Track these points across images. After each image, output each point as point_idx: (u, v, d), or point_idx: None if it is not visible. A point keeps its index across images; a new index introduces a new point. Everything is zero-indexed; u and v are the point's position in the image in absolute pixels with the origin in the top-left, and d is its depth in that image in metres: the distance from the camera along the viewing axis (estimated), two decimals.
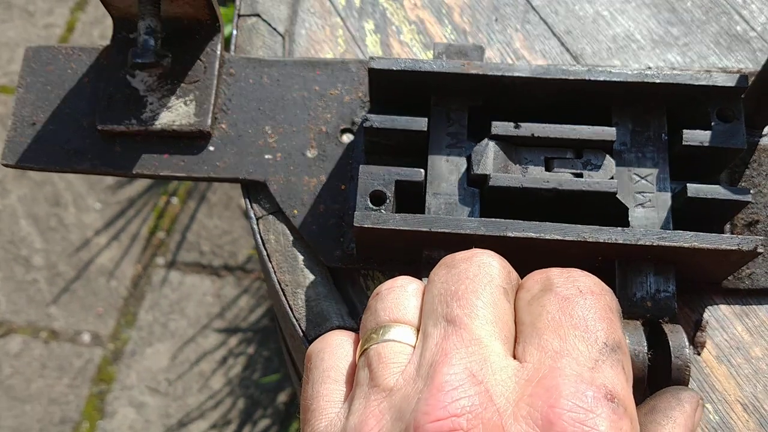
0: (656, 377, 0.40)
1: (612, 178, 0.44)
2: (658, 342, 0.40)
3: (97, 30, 1.71)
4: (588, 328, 0.30)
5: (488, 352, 0.30)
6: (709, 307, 0.46)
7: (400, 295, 0.34)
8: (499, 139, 0.44)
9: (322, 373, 0.34)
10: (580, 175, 0.44)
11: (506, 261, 0.34)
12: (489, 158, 0.44)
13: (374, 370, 0.31)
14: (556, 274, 0.33)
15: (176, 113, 0.49)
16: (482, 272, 0.33)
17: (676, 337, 0.40)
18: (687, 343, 0.39)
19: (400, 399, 0.29)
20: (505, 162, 0.44)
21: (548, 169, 0.44)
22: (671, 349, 0.39)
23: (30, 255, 1.53)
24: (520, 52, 0.54)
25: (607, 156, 0.44)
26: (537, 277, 0.33)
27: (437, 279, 0.33)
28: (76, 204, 1.57)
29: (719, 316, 0.46)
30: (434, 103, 0.47)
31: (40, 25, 1.72)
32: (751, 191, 0.46)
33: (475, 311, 0.31)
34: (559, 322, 0.30)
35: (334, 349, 0.35)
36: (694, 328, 0.45)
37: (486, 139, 0.45)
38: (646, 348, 0.39)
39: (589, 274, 0.33)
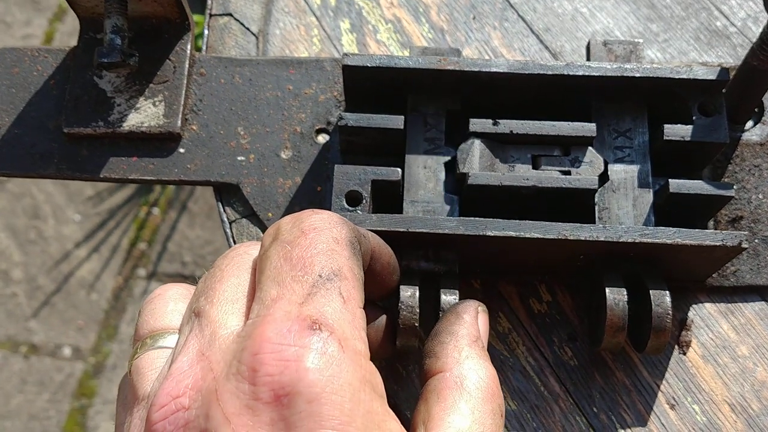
0: (638, 328, 0.41)
1: (603, 174, 0.43)
2: (640, 293, 0.41)
3: (75, 41, 1.70)
4: (305, 265, 0.30)
5: (220, 328, 0.30)
6: (694, 306, 0.45)
7: (157, 305, 0.34)
8: (479, 137, 0.43)
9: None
10: (568, 173, 0.43)
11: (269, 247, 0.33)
12: (475, 157, 0.43)
13: (134, 384, 0.32)
14: (286, 220, 0.32)
15: (145, 114, 0.47)
16: (234, 262, 0.33)
17: (657, 285, 0.40)
18: (668, 292, 0.40)
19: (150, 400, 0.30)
20: (492, 160, 0.43)
21: (535, 167, 0.43)
22: (651, 297, 0.39)
23: (9, 268, 1.50)
24: (498, 51, 0.53)
25: (595, 153, 0.43)
26: (270, 229, 0.33)
27: (198, 282, 0.34)
28: (56, 216, 1.55)
29: (704, 315, 0.45)
30: (411, 108, 0.45)
31: (17, 36, 1.70)
32: (735, 187, 0.45)
33: (217, 296, 0.31)
34: (278, 270, 0.30)
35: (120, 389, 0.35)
36: (679, 327, 0.44)
37: (472, 138, 0.43)
38: (626, 297, 0.40)
39: (324, 211, 0.32)
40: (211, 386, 0.27)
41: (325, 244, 0.31)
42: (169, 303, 0.34)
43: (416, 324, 0.39)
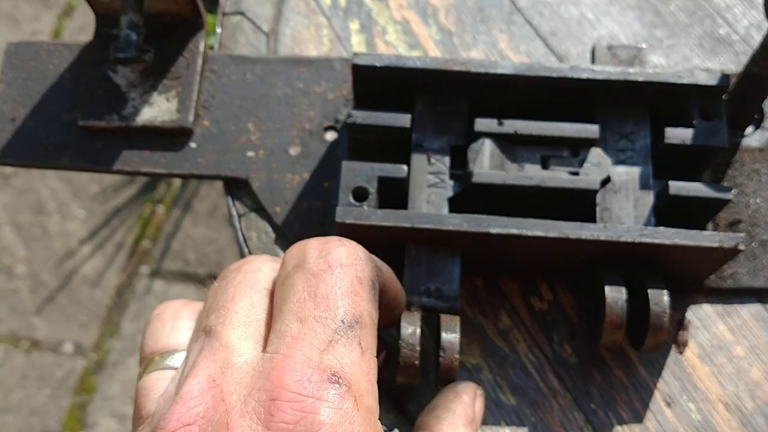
0: (637, 327, 0.42)
1: (608, 177, 0.44)
2: (639, 292, 0.41)
3: (83, 37, 1.71)
4: (329, 306, 0.30)
5: (233, 354, 0.30)
6: (692, 306, 0.46)
7: (156, 326, 0.35)
8: (485, 136, 0.44)
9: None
10: (576, 174, 0.44)
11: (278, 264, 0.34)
12: (485, 156, 0.44)
13: (138, 404, 0.32)
14: (312, 246, 0.32)
15: (158, 109, 0.48)
16: (247, 278, 0.33)
17: (655, 285, 0.41)
18: (666, 291, 0.40)
19: (156, 422, 0.30)
20: (502, 160, 0.44)
21: (545, 167, 0.44)
22: (649, 296, 0.40)
23: (12, 264, 1.51)
24: (505, 53, 0.54)
25: (604, 155, 0.44)
26: (294, 251, 0.33)
27: (207, 294, 0.34)
28: (60, 212, 1.56)
29: (702, 316, 0.45)
30: (415, 145, 0.45)
31: (26, 32, 1.71)
32: (734, 191, 0.46)
33: (230, 316, 0.31)
34: (302, 304, 0.30)
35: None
36: (677, 327, 0.45)
37: (482, 138, 0.44)
38: (625, 296, 0.40)
39: (350, 243, 0.32)
40: (222, 419, 0.27)
41: (349, 285, 0.31)
42: (167, 322, 0.34)
43: (417, 362, 0.39)
